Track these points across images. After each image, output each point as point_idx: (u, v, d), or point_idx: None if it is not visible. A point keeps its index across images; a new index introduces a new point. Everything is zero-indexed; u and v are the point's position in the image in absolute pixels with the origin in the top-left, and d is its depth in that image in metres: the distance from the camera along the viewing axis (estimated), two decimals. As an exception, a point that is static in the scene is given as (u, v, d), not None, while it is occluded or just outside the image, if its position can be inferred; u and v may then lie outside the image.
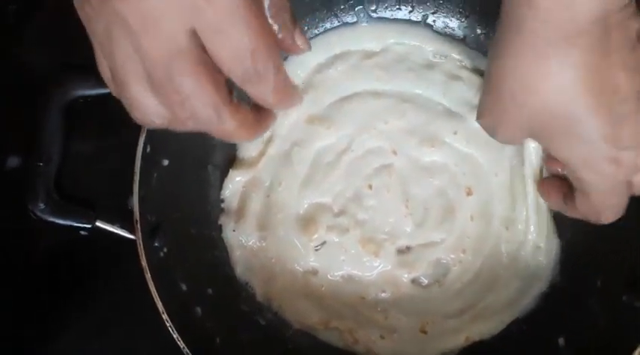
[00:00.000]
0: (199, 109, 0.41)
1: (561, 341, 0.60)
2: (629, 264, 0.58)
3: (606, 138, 0.45)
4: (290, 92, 0.44)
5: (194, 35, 0.39)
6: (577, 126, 0.46)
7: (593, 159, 0.47)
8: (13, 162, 0.63)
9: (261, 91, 0.42)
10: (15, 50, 0.68)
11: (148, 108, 0.42)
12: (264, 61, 0.41)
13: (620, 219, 0.52)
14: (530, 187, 0.65)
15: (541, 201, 0.65)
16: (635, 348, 0.53)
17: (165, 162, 0.60)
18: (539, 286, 0.64)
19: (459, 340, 0.63)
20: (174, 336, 0.53)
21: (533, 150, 0.66)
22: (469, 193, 0.66)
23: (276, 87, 0.42)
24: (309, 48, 0.46)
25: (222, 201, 0.66)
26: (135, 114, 0.43)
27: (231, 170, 0.67)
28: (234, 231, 0.66)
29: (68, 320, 0.64)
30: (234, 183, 0.66)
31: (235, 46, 0.40)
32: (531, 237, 0.65)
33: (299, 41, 0.45)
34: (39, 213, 0.52)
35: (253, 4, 0.40)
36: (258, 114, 0.46)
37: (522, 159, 0.66)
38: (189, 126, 0.43)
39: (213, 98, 0.41)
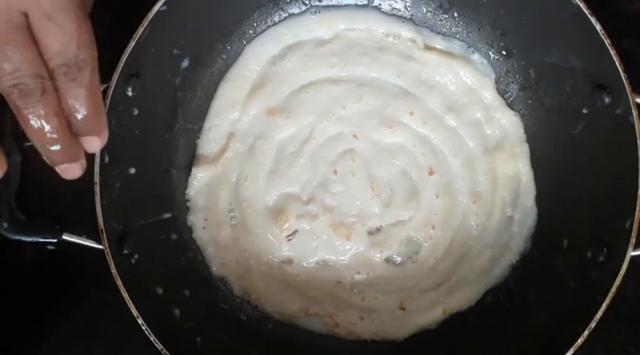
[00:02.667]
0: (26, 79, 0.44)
1: (535, 305, 0.62)
2: (592, 220, 0.59)
3: None
4: (99, 104, 0.47)
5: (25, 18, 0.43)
6: None
7: None
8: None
9: (76, 89, 0.45)
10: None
11: None
12: (87, 50, 0.45)
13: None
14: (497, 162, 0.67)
15: (511, 172, 0.66)
16: (603, 301, 0.54)
17: (130, 170, 0.60)
18: (511, 254, 0.65)
19: (437, 313, 0.64)
20: (152, 339, 0.53)
21: (490, 133, 0.67)
22: (431, 173, 0.67)
23: (89, 86, 0.45)
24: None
25: (188, 200, 0.66)
26: None
27: (193, 168, 0.67)
28: (204, 228, 0.66)
29: (45, 333, 0.64)
30: (198, 180, 0.66)
31: (63, 33, 0.44)
32: (503, 208, 0.66)
33: None
34: (3, 232, 0.51)
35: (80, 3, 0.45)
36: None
37: (482, 140, 0.67)
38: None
39: (40, 70, 0.44)
